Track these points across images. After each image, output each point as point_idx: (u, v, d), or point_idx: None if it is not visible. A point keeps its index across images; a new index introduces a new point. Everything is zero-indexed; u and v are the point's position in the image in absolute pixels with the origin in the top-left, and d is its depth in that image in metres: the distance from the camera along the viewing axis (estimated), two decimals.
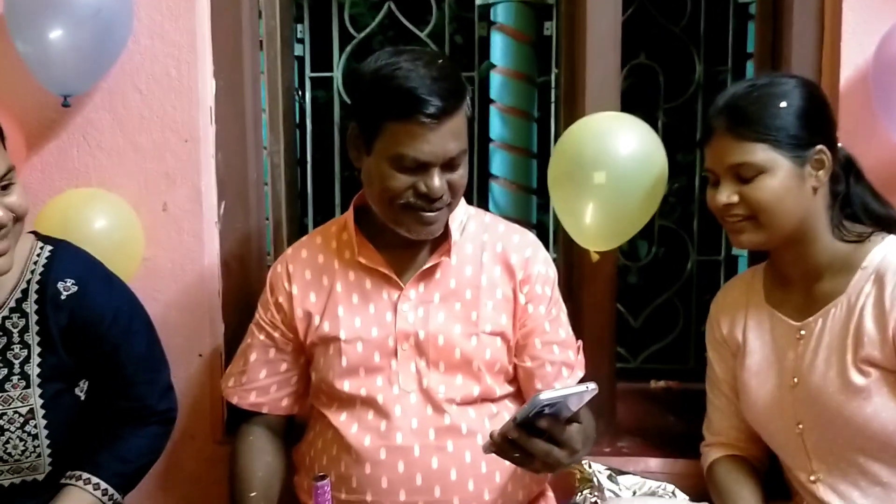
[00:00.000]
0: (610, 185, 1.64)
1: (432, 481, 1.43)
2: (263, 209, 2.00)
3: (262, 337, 1.58)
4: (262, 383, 1.58)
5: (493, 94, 2.58)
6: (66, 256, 1.48)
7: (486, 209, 1.68)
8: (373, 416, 1.46)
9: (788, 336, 1.46)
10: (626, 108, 1.81)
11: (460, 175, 1.44)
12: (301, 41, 2.40)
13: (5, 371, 1.41)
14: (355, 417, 1.47)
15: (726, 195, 1.39)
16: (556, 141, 1.83)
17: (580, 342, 1.60)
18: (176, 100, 1.77)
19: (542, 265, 1.55)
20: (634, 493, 1.58)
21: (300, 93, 2.42)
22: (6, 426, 1.40)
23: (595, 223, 1.68)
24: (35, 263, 1.46)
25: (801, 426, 1.44)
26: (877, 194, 1.46)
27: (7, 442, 1.40)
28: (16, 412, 1.40)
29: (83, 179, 1.79)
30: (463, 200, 1.58)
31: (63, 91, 1.66)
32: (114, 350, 1.48)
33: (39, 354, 1.43)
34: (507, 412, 1.52)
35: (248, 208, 1.93)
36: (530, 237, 1.59)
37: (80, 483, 1.44)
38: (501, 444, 1.23)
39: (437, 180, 1.39)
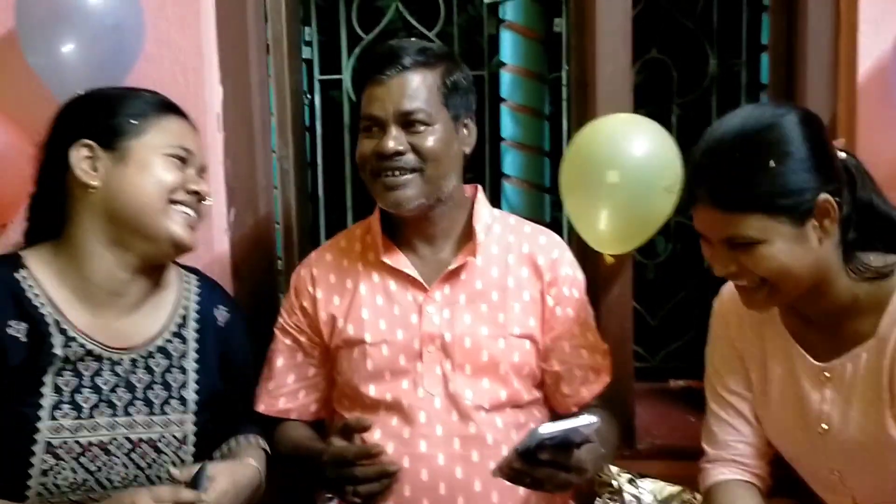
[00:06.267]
0: (623, 188, 1.61)
1: (456, 491, 1.41)
2: (273, 214, 1.99)
3: (287, 341, 1.57)
4: (291, 388, 1.57)
5: (504, 92, 2.54)
6: (212, 284, 1.52)
7: (499, 209, 1.67)
8: (397, 423, 1.45)
9: (811, 375, 1.32)
10: (638, 103, 1.78)
11: (430, 140, 1.44)
12: (309, 44, 2.38)
13: (166, 394, 1.39)
14: (379, 423, 1.45)
15: (723, 265, 1.24)
16: (568, 138, 1.81)
17: (606, 346, 1.58)
18: (183, 107, 1.72)
19: (569, 267, 1.54)
20: (655, 497, 1.56)
21: (309, 96, 2.40)
22: (164, 449, 1.37)
23: (609, 227, 1.66)
24: (188, 290, 1.47)
25: (837, 473, 1.33)
26: (883, 199, 1.29)
27: (161, 466, 1.36)
28: (173, 436, 1.38)
29: None
30: (488, 203, 1.58)
31: None
32: (245, 379, 1.54)
33: (196, 381, 1.42)
34: (533, 422, 1.50)
35: (257, 214, 1.92)
36: (556, 239, 1.58)
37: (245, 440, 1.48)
38: (508, 472, 1.23)
39: (389, 138, 1.42)
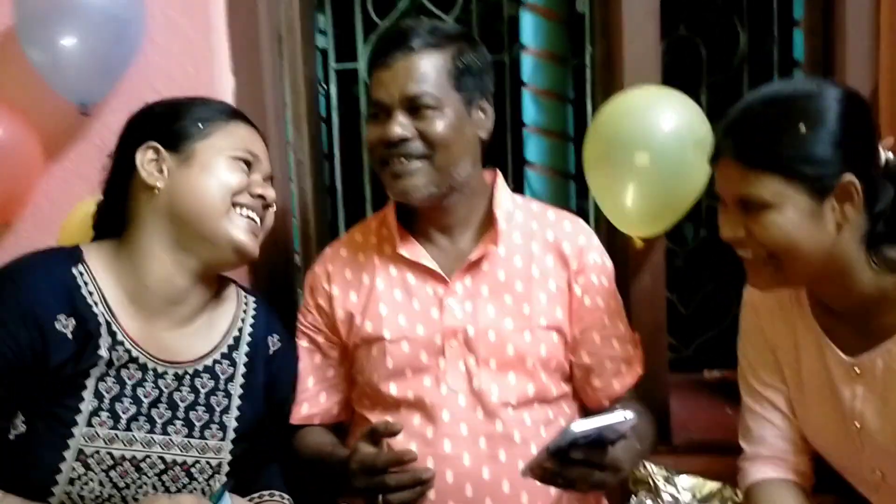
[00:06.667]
0: (651, 165, 1.54)
1: (483, 493, 1.35)
2: (290, 208, 1.94)
3: (305, 343, 1.52)
4: (311, 392, 1.52)
5: (525, 76, 2.48)
6: (269, 310, 1.48)
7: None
8: (419, 422, 1.39)
9: (842, 370, 1.27)
10: (666, 84, 1.71)
11: (438, 125, 1.38)
12: (323, 32, 2.32)
13: (207, 417, 1.35)
14: (401, 422, 1.39)
15: (731, 228, 1.21)
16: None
17: (637, 334, 1.52)
18: None
19: (597, 254, 1.48)
20: (694, 495, 1.49)
21: (325, 86, 2.35)
22: (196, 475, 1.32)
23: (637, 206, 1.58)
24: (245, 312, 1.44)
25: (879, 472, 1.27)
26: None
27: (191, 492, 1.31)
28: (207, 462, 1.33)
29: None
30: (508, 189, 1.53)
31: (81, 99, 1.62)
32: (285, 412, 1.49)
33: (239, 408, 1.37)
34: (563, 418, 1.44)
35: None
36: (582, 224, 1.52)
37: (280, 497, 1.43)
38: (539, 473, 1.18)
39: (394, 124, 1.37)
